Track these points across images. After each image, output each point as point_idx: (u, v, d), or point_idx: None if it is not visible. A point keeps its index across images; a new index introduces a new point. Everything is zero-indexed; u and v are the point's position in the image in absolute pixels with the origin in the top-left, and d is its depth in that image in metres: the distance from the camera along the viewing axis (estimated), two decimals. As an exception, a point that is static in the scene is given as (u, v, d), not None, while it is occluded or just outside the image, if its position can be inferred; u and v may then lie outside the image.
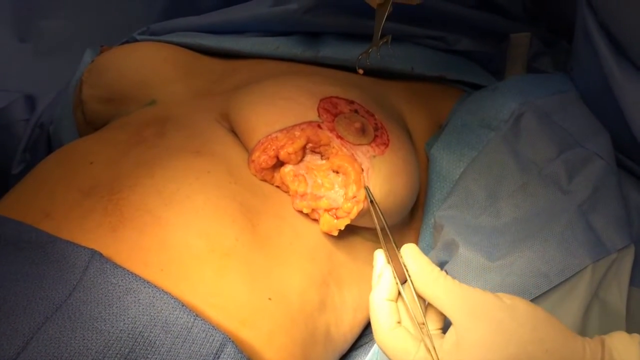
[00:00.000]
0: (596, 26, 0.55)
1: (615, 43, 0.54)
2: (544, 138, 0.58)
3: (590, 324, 0.47)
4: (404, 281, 0.41)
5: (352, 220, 0.49)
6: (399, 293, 0.40)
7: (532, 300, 0.48)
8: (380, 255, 0.42)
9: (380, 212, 0.47)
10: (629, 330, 0.47)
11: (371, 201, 0.48)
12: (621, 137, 0.58)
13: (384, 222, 0.46)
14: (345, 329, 0.51)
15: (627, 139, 0.55)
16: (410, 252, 0.40)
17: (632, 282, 0.49)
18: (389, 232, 0.44)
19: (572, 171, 0.55)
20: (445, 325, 0.40)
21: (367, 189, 0.49)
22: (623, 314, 0.48)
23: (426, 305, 0.40)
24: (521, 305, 0.37)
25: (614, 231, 0.50)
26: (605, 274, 0.49)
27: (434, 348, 0.37)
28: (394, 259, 0.41)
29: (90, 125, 0.67)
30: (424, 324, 0.39)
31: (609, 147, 0.58)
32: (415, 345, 0.38)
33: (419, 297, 0.39)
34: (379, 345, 0.40)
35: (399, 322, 0.39)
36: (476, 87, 0.73)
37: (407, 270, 0.39)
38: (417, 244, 0.59)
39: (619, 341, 0.37)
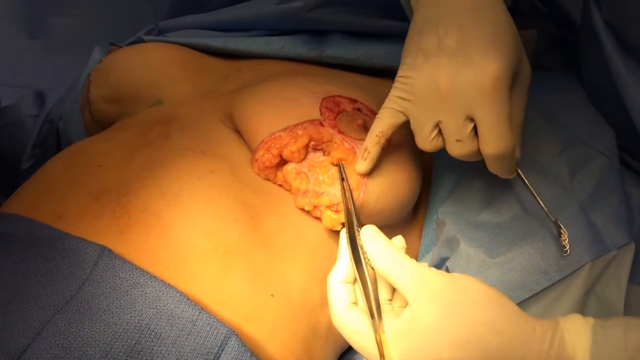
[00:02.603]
0: (602, 23, 0.55)
1: (622, 41, 0.54)
2: (548, 135, 0.59)
3: (588, 320, 0.48)
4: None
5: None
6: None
7: (531, 297, 0.48)
8: (342, 236, 0.43)
9: (350, 191, 0.47)
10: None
11: (342, 179, 0.48)
12: (626, 135, 0.58)
13: (351, 202, 0.46)
14: (347, 324, 0.52)
15: (632, 138, 0.55)
16: (369, 233, 0.40)
17: (632, 279, 0.49)
18: (354, 212, 0.44)
19: (575, 169, 0.56)
20: None
21: (340, 165, 0.49)
22: (621, 310, 0.48)
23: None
24: (474, 287, 0.37)
25: (615, 228, 0.51)
26: (604, 271, 0.49)
27: (378, 331, 0.37)
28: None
29: (97, 124, 0.68)
30: (371, 309, 0.39)
31: (613, 145, 0.58)
32: (368, 327, 0.38)
33: (380, 277, 0.40)
34: (335, 326, 0.40)
35: (354, 303, 0.40)
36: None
37: (365, 252, 0.40)
38: (420, 240, 0.60)
39: (573, 323, 0.37)
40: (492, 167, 0.46)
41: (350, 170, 0.51)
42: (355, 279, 0.41)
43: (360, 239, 0.41)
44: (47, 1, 0.88)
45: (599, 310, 0.48)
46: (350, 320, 0.39)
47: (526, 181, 0.49)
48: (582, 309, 0.48)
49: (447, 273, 0.38)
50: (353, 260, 0.41)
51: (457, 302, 0.36)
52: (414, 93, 0.45)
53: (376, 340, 0.37)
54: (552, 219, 0.49)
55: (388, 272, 0.38)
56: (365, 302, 0.39)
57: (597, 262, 0.49)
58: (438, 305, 0.36)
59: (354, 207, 0.46)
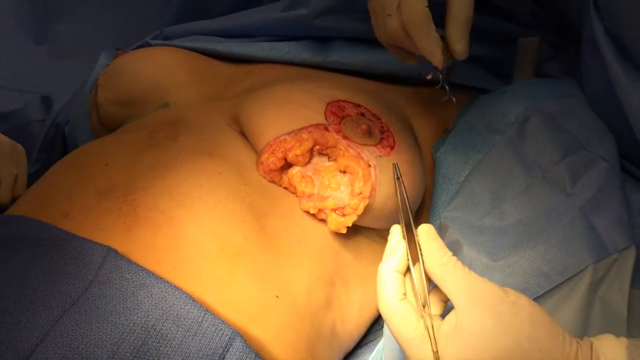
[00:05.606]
0: (603, 32, 0.55)
1: (622, 49, 0.54)
2: (549, 141, 0.59)
3: (592, 324, 0.48)
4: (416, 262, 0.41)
5: (358, 217, 0.50)
6: (408, 269, 0.41)
7: (534, 300, 0.49)
8: (396, 230, 0.43)
9: (405, 189, 0.47)
10: (631, 331, 0.48)
11: (397, 178, 0.49)
12: (626, 141, 0.59)
13: (406, 200, 0.47)
14: (351, 327, 0.52)
15: (632, 144, 0.56)
16: (425, 232, 0.41)
17: (633, 284, 0.49)
18: (409, 211, 0.44)
19: (576, 174, 0.56)
20: (446, 312, 0.41)
21: (395, 165, 0.50)
22: (624, 314, 0.48)
23: (431, 288, 0.41)
24: (523, 302, 0.38)
25: (615, 232, 0.51)
26: (606, 274, 0.49)
27: (432, 326, 0.38)
28: (410, 240, 0.42)
29: (105, 127, 0.69)
30: (425, 305, 0.40)
31: (614, 151, 0.58)
32: (416, 321, 0.39)
33: (427, 277, 0.40)
34: (382, 314, 0.40)
35: (404, 294, 0.40)
36: (483, 91, 0.74)
37: (420, 249, 0.40)
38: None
39: (607, 344, 0.37)
40: (418, 41, 0.49)
41: (357, 177, 0.51)
42: (407, 272, 0.41)
43: (417, 236, 0.41)
44: (52, 7, 0.89)
45: (603, 314, 0.48)
46: (402, 312, 0.39)
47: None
48: (586, 313, 0.48)
49: (497, 285, 0.38)
50: (409, 255, 0.41)
51: (505, 314, 0.37)
52: None
53: (429, 335, 0.38)
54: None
55: (440, 273, 0.39)
56: (419, 297, 0.40)
57: (598, 265, 0.49)
58: (486, 314, 0.37)
59: (409, 206, 0.46)
